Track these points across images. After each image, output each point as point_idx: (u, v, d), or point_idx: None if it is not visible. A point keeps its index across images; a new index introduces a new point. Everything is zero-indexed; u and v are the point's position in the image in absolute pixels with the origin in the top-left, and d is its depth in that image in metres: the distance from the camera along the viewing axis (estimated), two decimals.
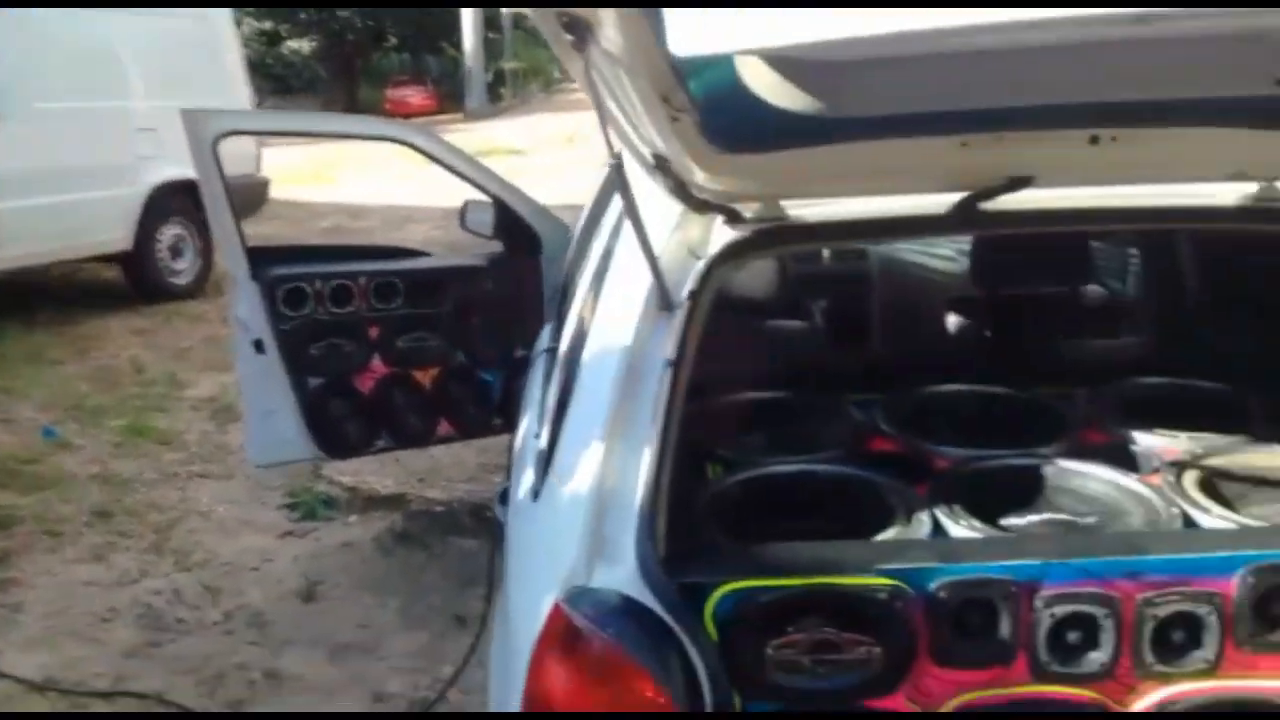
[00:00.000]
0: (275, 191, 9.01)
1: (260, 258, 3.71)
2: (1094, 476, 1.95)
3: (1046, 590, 1.58)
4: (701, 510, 1.94)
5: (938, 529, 1.81)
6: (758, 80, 1.61)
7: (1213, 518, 1.79)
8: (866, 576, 1.59)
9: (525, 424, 2.66)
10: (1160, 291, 3.10)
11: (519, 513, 2.12)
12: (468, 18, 28.72)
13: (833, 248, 3.87)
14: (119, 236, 7.40)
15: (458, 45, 30.62)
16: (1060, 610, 1.58)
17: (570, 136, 19.38)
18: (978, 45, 1.29)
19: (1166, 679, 1.61)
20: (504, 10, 33.24)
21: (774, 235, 1.93)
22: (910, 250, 4.08)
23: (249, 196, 7.82)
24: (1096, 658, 1.59)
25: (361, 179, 15.93)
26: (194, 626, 3.41)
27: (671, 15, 1.18)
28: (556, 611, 1.60)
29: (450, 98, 32.73)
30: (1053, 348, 2.76)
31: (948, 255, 3.96)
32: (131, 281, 7.79)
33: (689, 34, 1.19)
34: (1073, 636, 1.59)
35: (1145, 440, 2.11)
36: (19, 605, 3.47)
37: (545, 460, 1.96)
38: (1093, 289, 3.22)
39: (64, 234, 7.00)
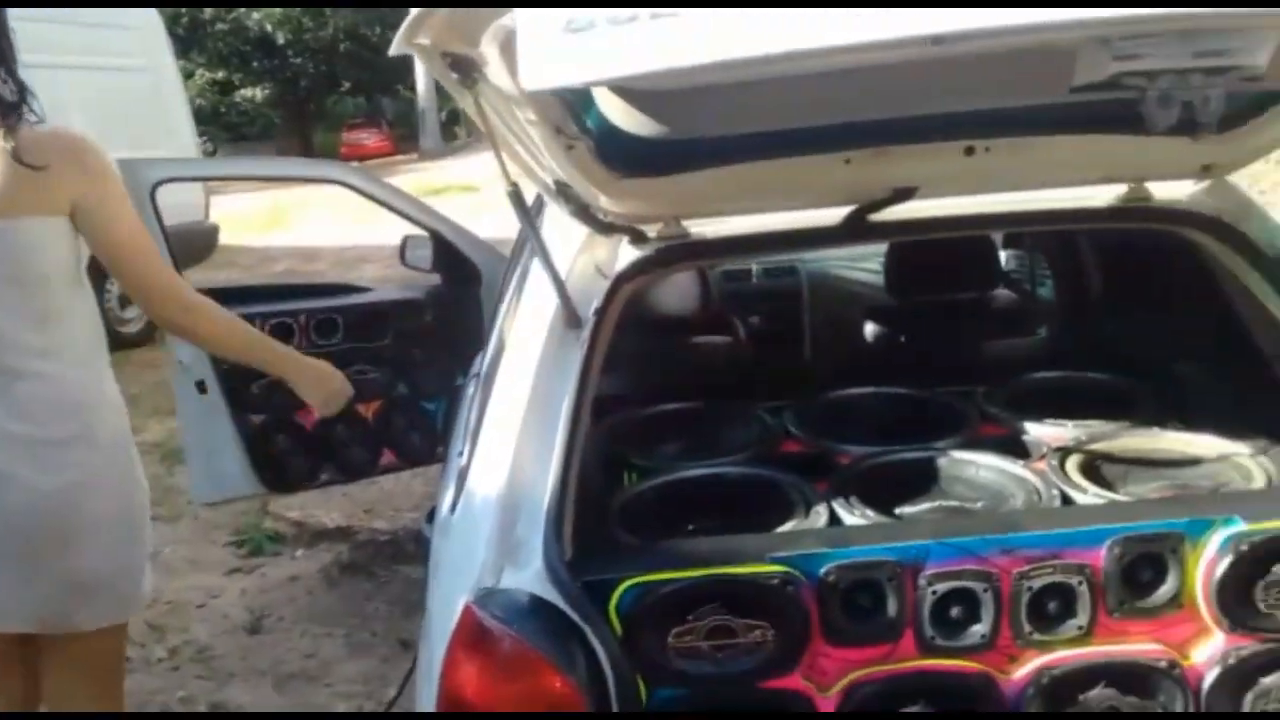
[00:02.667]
0: (228, 238, 9.05)
1: None
2: (983, 465, 2.06)
3: (929, 569, 1.67)
4: (614, 515, 2.02)
5: (834, 520, 1.90)
6: (616, 109, 1.71)
7: (1088, 497, 1.89)
8: (760, 565, 1.67)
9: (453, 445, 2.73)
10: (1060, 293, 3.25)
11: (440, 527, 2.19)
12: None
13: (742, 262, 3.99)
14: None
15: (413, 87, 30.77)
16: (942, 587, 1.67)
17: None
18: (805, 68, 1.37)
19: (1044, 647, 1.70)
20: None
21: (676, 252, 2.02)
22: (839, 265, 4.23)
23: (197, 243, 7.86)
24: (978, 630, 1.68)
25: (314, 223, 15.94)
26: (139, 664, 3.42)
27: (523, 49, 1.25)
28: (466, 612, 1.66)
29: (406, 139, 32.84)
30: (962, 349, 2.87)
31: (875, 269, 4.10)
32: None
33: (536, 68, 1.25)
34: (955, 611, 1.68)
35: (1036, 430, 2.22)
36: None
37: (463, 475, 2.04)
38: (1001, 293, 3.35)
39: None
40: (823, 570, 1.67)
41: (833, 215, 2.00)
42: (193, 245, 7.36)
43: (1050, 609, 1.69)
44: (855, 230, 1.98)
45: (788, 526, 1.88)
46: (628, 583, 1.67)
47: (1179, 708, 1.71)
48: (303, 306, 3.93)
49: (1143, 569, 1.68)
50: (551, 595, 1.64)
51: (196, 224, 7.87)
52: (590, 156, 1.79)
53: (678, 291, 3.05)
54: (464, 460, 2.25)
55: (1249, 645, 1.69)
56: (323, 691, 3.29)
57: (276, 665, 3.42)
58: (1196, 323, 2.34)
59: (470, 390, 2.99)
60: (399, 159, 29.05)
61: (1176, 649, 1.71)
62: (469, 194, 17.39)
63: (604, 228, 1.94)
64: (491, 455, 1.85)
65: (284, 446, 3.87)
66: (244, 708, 3.22)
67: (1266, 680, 1.70)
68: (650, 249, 1.98)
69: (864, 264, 4.10)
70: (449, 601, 1.74)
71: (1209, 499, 1.91)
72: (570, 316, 1.88)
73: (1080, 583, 1.67)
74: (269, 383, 3.84)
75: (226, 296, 4.08)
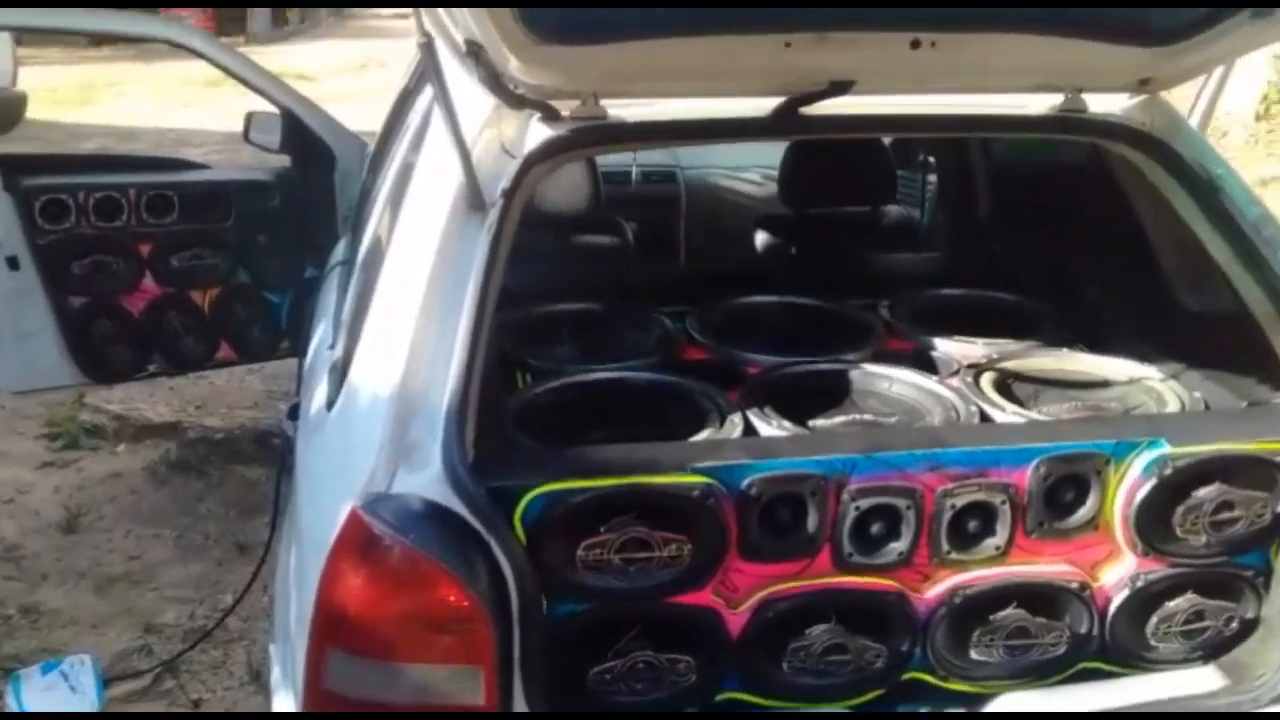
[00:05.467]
0: (34, 112, 8.18)
1: (15, 167, 3.35)
2: (897, 379, 2.00)
3: (854, 484, 1.60)
4: (510, 418, 1.86)
5: (750, 431, 1.80)
6: None
7: (1007, 415, 1.85)
8: (681, 475, 1.56)
9: (318, 338, 2.50)
10: (954, 211, 3.22)
11: (312, 425, 1.98)
12: None
13: (649, 148, 3.80)
14: None
15: None
16: (865, 503, 1.60)
17: (363, 64, 18.55)
18: None
19: (960, 566, 1.67)
20: None
21: (593, 134, 1.82)
22: (719, 174, 4.12)
23: (1, 111, 7.06)
24: (896, 548, 1.63)
25: (130, 102, 14.70)
26: None
27: None
28: (353, 517, 1.49)
29: (233, 20, 30.63)
30: (855, 262, 2.81)
31: (754, 180, 4.02)
32: None
33: None
34: (875, 528, 1.62)
35: (945, 346, 2.17)
36: None
37: (342, 369, 1.83)
38: (893, 209, 3.31)
39: None
40: (745, 482, 1.57)
41: (756, 106, 1.85)
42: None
43: (970, 528, 1.65)
44: (786, 123, 1.85)
45: (702, 436, 1.77)
46: (536, 490, 1.53)
47: (1085, 629, 1.71)
48: (133, 180, 3.54)
49: (1065, 490, 1.65)
50: (451, 501, 1.48)
51: (3, 90, 7.05)
52: (511, 14, 1.58)
53: (569, 190, 2.86)
54: (338, 354, 2.04)
55: (1158, 569, 1.70)
56: (149, 595, 3.03)
57: (96, 566, 3.13)
58: (1104, 246, 2.33)
59: (333, 280, 2.76)
60: (225, 41, 27.11)
61: (1088, 570, 1.71)
62: (304, 83, 16.28)
63: (515, 100, 1.73)
64: (381, 348, 1.65)
65: (107, 333, 3.54)
66: (60, 611, 2.94)
67: (1171, 604, 1.72)
68: (564, 128, 1.79)
69: (744, 174, 4.00)
70: (328, 506, 1.57)
71: (1135, 421, 1.90)
72: (474, 198, 1.68)
73: (1003, 502, 1.63)
74: (92, 262, 3.47)
75: (44, 165, 3.67)
